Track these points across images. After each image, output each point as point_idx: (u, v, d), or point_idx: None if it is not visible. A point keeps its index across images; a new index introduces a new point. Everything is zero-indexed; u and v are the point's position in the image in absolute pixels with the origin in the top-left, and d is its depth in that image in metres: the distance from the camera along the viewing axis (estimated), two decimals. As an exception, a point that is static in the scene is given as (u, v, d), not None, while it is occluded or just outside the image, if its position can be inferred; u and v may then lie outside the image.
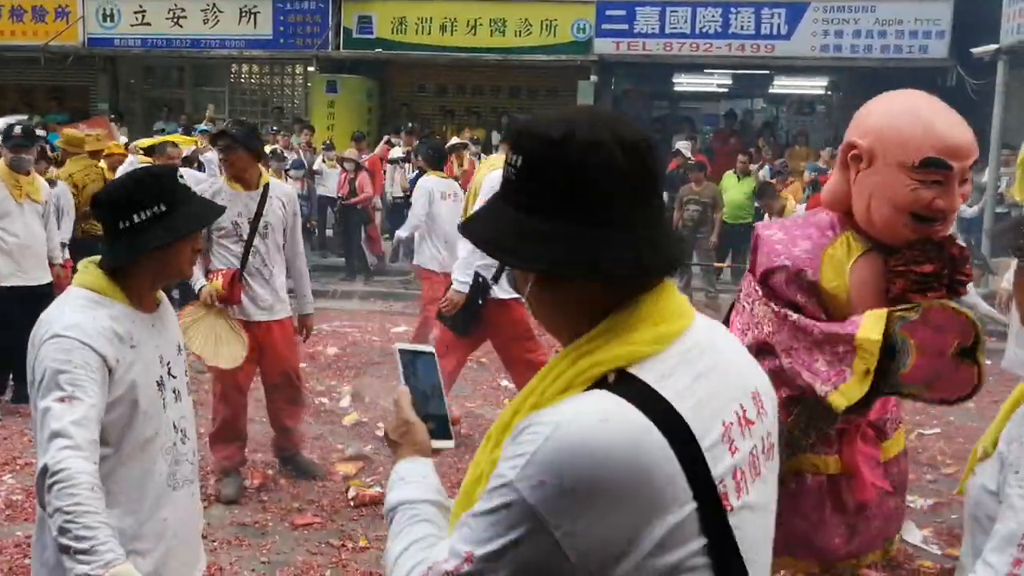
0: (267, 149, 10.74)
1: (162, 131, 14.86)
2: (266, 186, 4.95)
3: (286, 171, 12.15)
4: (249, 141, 4.89)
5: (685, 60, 16.30)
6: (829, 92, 18.32)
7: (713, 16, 15.45)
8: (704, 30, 15.51)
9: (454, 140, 14.36)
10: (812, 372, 2.47)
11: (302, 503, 4.92)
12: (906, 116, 2.44)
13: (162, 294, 2.39)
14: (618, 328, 1.23)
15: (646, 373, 1.19)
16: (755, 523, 1.24)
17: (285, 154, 12.56)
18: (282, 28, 17.02)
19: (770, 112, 19.43)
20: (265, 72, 18.94)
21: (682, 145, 13.74)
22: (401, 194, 12.91)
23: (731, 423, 1.22)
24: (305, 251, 12.49)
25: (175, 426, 2.30)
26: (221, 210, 2.53)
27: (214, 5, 17.05)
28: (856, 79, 16.78)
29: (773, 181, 12.16)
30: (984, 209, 12.95)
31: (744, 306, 2.80)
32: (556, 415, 1.15)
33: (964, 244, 2.39)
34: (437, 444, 1.45)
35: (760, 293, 2.70)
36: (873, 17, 14.98)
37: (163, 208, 2.18)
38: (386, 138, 14.63)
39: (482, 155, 14.74)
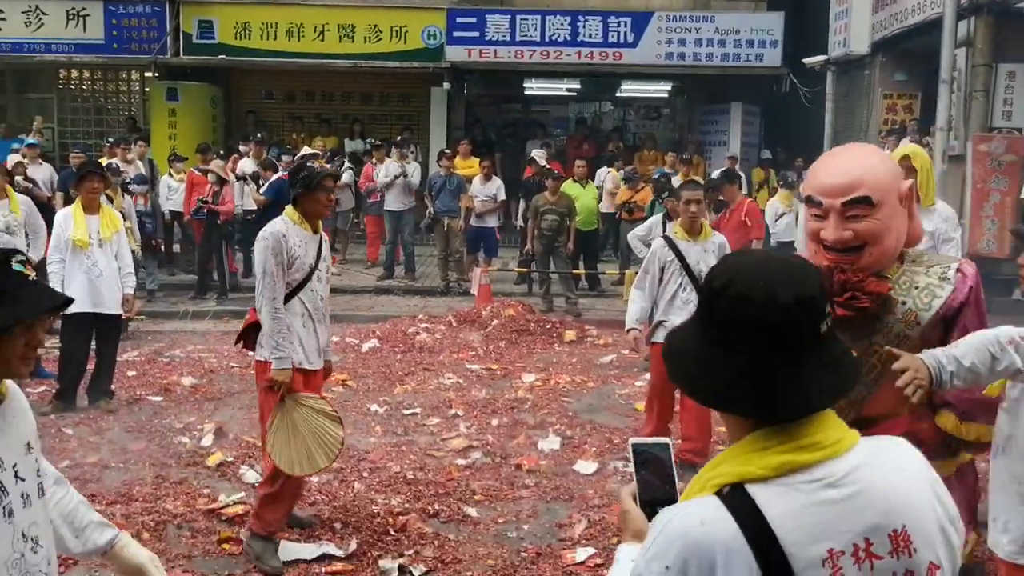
0: (104, 163, 10.18)
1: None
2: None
3: (125, 186, 11.49)
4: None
5: (535, 67, 16.50)
6: (674, 96, 18.95)
7: (562, 24, 15.71)
8: (553, 38, 15.75)
9: (305, 150, 14.07)
10: None
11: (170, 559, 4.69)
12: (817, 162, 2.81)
13: (9, 385, 2.11)
14: (748, 448, 1.45)
15: (759, 491, 1.40)
16: None
17: (121, 167, 11.86)
18: (115, 32, 16.17)
19: (618, 115, 19.93)
20: (98, 78, 17.92)
21: (537, 154, 13.90)
22: (253, 208, 12.52)
23: (841, 552, 1.39)
24: (152, 269, 12.05)
25: (24, 535, 2.06)
26: (63, 302, 2.14)
27: (37, 7, 16.02)
28: (699, 84, 17.46)
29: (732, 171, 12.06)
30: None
31: None
32: (674, 511, 1.44)
33: (862, 275, 2.59)
34: None
35: None
36: (713, 27, 15.59)
37: None
38: (235, 156, 14.13)
39: (345, 162, 14.50)
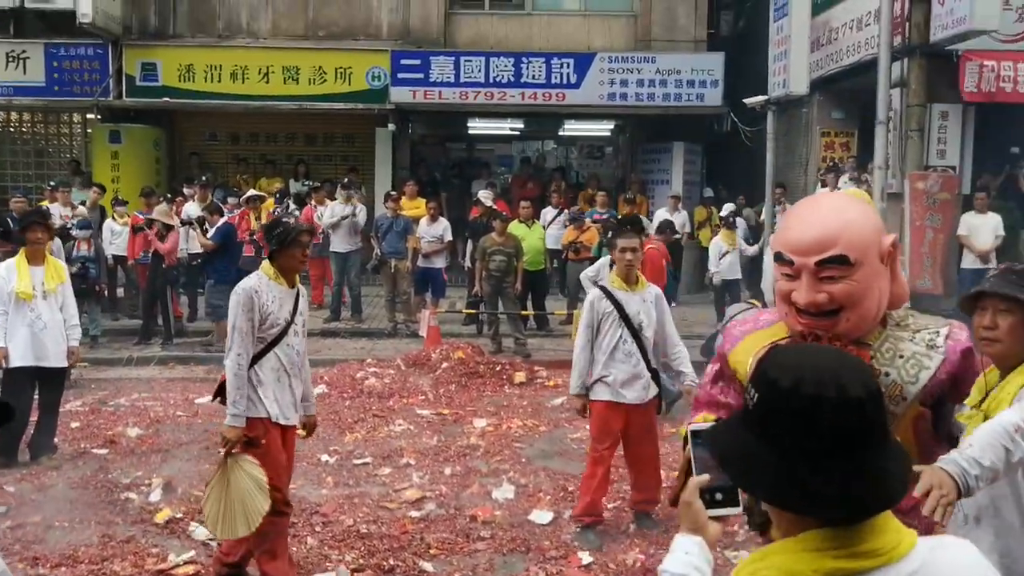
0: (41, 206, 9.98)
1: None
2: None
3: (67, 230, 11.30)
4: None
5: (480, 109, 16.64)
6: (616, 135, 19.22)
7: (506, 65, 15.88)
8: (497, 79, 15.90)
9: (251, 192, 13.98)
10: None
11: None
12: (788, 212, 2.60)
13: None
14: (803, 547, 1.43)
15: None
16: None
17: (51, 209, 11.62)
18: (56, 75, 15.95)
19: (561, 154, 20.15)
20: (38, 121, 17.64)
21: (483, 195, 13.97)
22: (199, 252, 12.38)
23: None
24: (96, 314, 11.80)
25: None
26: None
27: (-26, 49, 15.79)
28: (641, 123, 17.75)
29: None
30: (763, 247, 13.96)
31: None
32: None
33: (839, 344, 2.29)
34: (720, 512, 1.68)
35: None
36: (654, 67, 15.88)
37: None
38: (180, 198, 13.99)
39: (290, 203, 14.42)
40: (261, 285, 4.69)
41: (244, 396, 4.61)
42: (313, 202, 14.18)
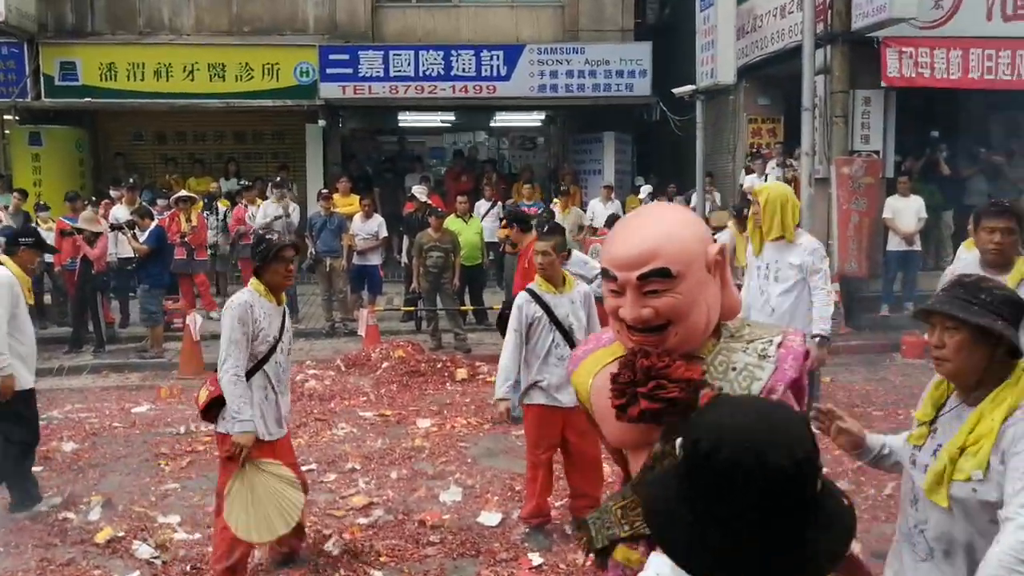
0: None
1: None
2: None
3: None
4: None
5: (410, 102, 16.55)
6: (547, 125, 19.29)
7: (435, 59, 15.81)
8: (427, 72, 15.83)
9: (181, 193, 13.71)
10: None
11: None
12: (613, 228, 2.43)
13: None
14: None
15: None
16: None
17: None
18: (-31, 76, 15.46)
19: (494, 145, 20.16)
20: (-49, 124, 17.06)
21: (417, 190, 13.91)
22: (129, 256, 12.12)
23: None
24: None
25: None
26: None
27: None
28: (572, 114, 17.85)
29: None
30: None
31: None
32: None
33: (668, 360, 2.17)
34: None
35: None
36: (583, 58, 15.97)
37: None
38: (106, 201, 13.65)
39: (219, 206, 14.17)
40: (254, 300, 4.74)
41: (248, 402, 4.65)
42: (244, 202, 13.98)
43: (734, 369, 2.26)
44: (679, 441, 1.46)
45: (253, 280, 4.82)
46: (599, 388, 2.32)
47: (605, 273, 2.24)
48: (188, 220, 12.86)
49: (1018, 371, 2.48)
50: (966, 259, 5.21)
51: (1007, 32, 12.58)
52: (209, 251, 13.51)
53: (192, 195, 13.55)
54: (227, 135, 17.64)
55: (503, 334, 8.57)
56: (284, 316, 4.92)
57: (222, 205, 14.55)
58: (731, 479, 1.32)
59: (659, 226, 2.20)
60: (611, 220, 12.00)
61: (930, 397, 2.71)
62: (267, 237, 5.00)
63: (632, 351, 2.23)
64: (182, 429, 8.18)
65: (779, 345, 2.28)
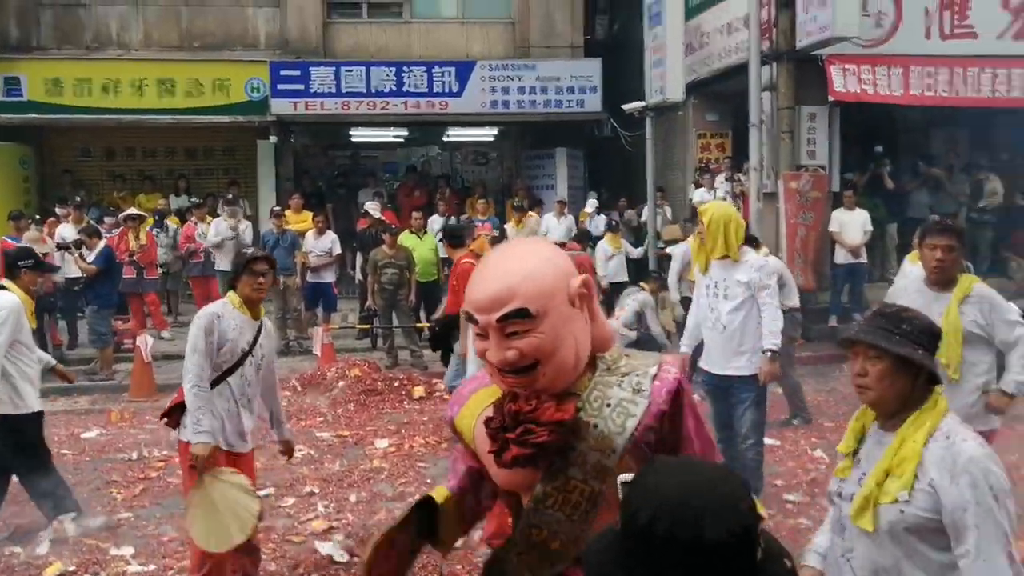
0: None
1: None
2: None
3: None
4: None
5: (362, 118, 16.54)
6: (500, 140, 19.37)
7: (387, 75, 15.82)
8: (379, 89, 15.84)
9: (130, 210, 13.55)
10: None
11: None
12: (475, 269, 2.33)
13: None
14: None
15: None
16: None
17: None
18: (-91, 93, 15.12)
19: (447, 160, 20.19)
20: None
21: (370, 206, 13.88)
22: (77, 275, 11.93)
23: None
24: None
25: None
26: None
27: None
28: (524, 129, 17.97)
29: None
30: (647, 248, 14.35)
31: None
32: None
33: (536, 402, 2.10)
34: None
35: None
36: (535, 74, 16.10)
37: None
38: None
39: (169, 224, 14.02)
40: (224, 311, 4.78)
41: (207, 414, 4.66)
42: (194, 219, 13.84)
43: (608, 405, 2.16)
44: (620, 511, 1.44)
45: (230, 292, 4.87)
46: (481, 431, 2.23)
47: (469, 317, 2.16)
48: (137, 238, 12.71)
49: (935, 395, 2.58)
50: (911, 272, 5.34)
51: (945, 51, 12.97)
52: (159, 270, 13.35)
53: (141, 213, 13.41)
54: (177, 151, 17.45)
55: (435, 350, 8.61)
56: (260, 331, 4.93)
57: (172, 223, 14.41)
58: (669, 552, 1.30)
59: (516, 265, 2.13)
60: (580, 236, 12.14)
61: (851, 430, 2.77)
62: (242, 250, 5.06)
63: (503, 395, 2.17)
64: (134, 455, 8.04)
65: (654, 377, 2.18)
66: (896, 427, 2.58)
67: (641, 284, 10.22)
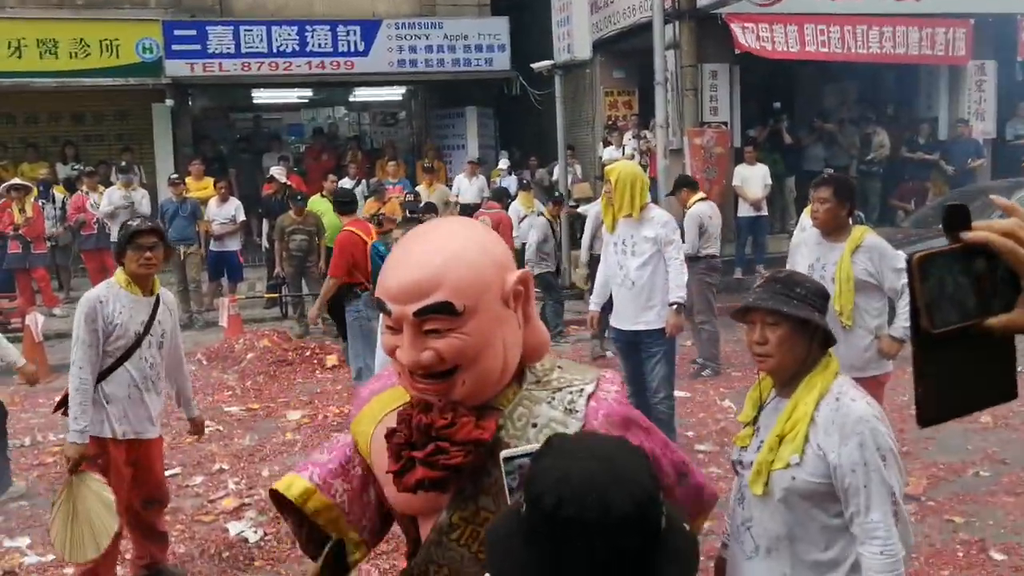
0: None
1: None
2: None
3: None
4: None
5: (264, 79, 16.02)
6: (408, 99, 19.05)
7: (289, 34, 15.31)
8: (281, 48, 15.32)
9: (13, 181, 12.86)
10: None
11: None
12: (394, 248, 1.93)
13: None
14: None
15: None
16: None
17: None
18: None
19: (354, 120, 19.78)
20: None
21: (276, 171, 13.51)
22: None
23: None
24: None
25: None
26: None
27: None
28: (432, 89, 17.69)
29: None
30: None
31: None
32: None
33: (453, 416, 1.76)
34: None
35: None
36: (442, 33, 15.81)
37: None
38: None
39: (56, 194, 13.39)
40: (109, 294, 4.49)
41: (87, 411, 4.40)
42: (85, 188, 13.22)
43: (534, 425, 1.82)
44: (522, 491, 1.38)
45: (118, 270, 4.57)
46: (380, 442, 1.87)
47: (380, 305, 1.79)
48: (22, 211, 12.12)
49: (826, 358, 2.60)
50: (809, 226, 5.51)
51: (837, 9, 13.41)
52: (48, 243, 12.73)
53: (25, 183, 12.72)
54: (63, 117, 16.56)
55: (333, 318, 8.41)
56: (156, 307, 4.63)
57: (59, 192, 13.76)
58: (576, 533, 1.28)
59: (444, 248, 1.76)
60: (498, 194, 12.01)
61: (749, 399, 2.78)
62: (127, 222, 4.77)
63: (411, 402, 1.83)
64: (27, 440, 7.59)
65: (590, 396, 1.86)
66: (791, 393, 2.59)
67: (542, 212, 10.58)
